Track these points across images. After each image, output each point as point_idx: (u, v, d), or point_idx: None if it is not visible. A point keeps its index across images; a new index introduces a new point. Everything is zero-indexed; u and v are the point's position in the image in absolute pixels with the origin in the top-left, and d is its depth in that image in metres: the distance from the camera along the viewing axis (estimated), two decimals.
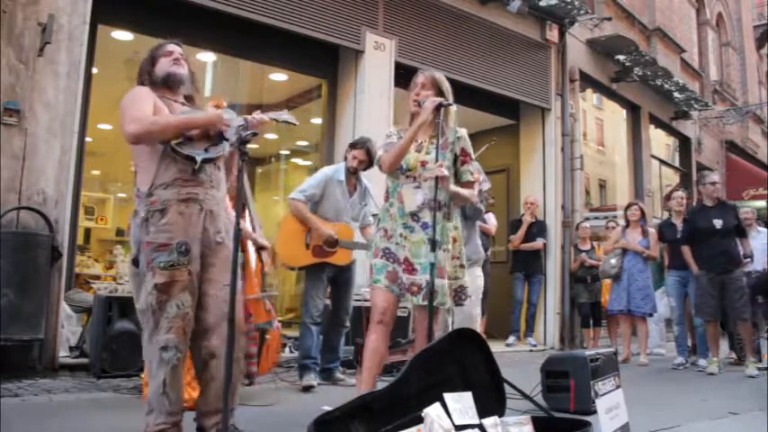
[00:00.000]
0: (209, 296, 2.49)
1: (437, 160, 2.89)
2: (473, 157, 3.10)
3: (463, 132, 3.07)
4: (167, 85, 2.59)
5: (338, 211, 4.36)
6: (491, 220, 6.64)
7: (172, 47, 2.66)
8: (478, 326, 3.76)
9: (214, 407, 2.45)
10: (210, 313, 2.49)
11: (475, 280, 3.78)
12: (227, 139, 2.55)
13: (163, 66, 2.60)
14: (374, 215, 4.19)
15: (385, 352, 3.01)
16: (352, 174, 4.40)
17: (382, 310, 2.92)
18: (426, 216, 2.91)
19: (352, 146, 4.43)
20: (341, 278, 4.44)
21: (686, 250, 5.79)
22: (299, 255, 4.27)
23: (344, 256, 4.38)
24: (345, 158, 4.45)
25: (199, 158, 2.45)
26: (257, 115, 2.61)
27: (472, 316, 3.71)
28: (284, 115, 2.74)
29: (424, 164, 2.96)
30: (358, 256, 4.54)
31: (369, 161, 4.31)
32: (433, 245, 2.86)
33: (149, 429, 2.36)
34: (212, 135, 2.51)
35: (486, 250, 6.91)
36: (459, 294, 3.01)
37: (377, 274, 2.93)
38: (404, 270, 2.89)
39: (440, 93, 3.02)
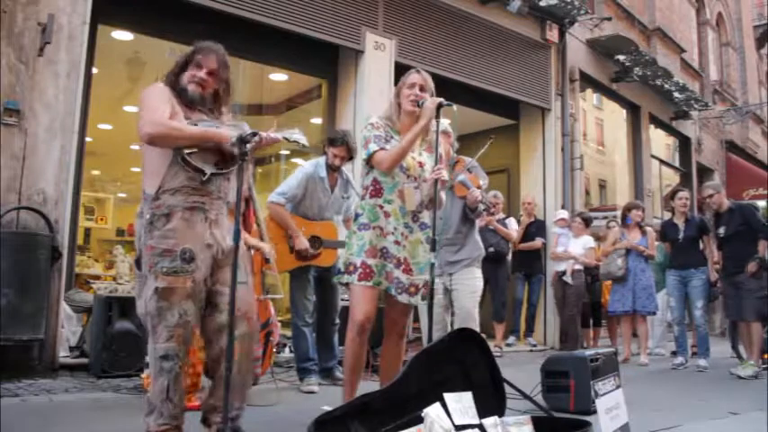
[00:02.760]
0: (224, 295, 2.47)
1: (436, 163, 2.94)
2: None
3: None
4: (181, 97, 2.53)
5: (321, 209, 4.31)
6: (512, 225, 6.65)
7: (209, 60, 2.56)
8: (477, 325, 3.76)
9: (214, 405, 2.47)
10: (225, 312, 2.46)
11: (474, 281, 3.80)
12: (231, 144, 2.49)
13: (185, 78, 2.54)
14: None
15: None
16: (335, 170, 4.32)
17: (371, 316, 2.85)
18: (425, 216, 2.95)
19: (332, 143, 4.30)
20: (326, 277, 4.35)
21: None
22: (283, 259, 4.15)
23: (329, 257, 4.30)
24: (325, 154, 4.35)
25: (208, 173, 2.45)
26: (271, 134, 2.57)
27: (471, 315, 3.72)
28: (295, 135, 2.68)
29: (421, 164, 2.97)
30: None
31: (349, 155, 4.26)
32: (434, 244, 2.89)
33: (151, 429, 2.36)
34: (224, 150, 2.47)
35: (505, 254, 6.94)
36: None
37: (378, 276, 2.82)
38: (403, 270, 2.86)
39: (432, 94, 3.03)
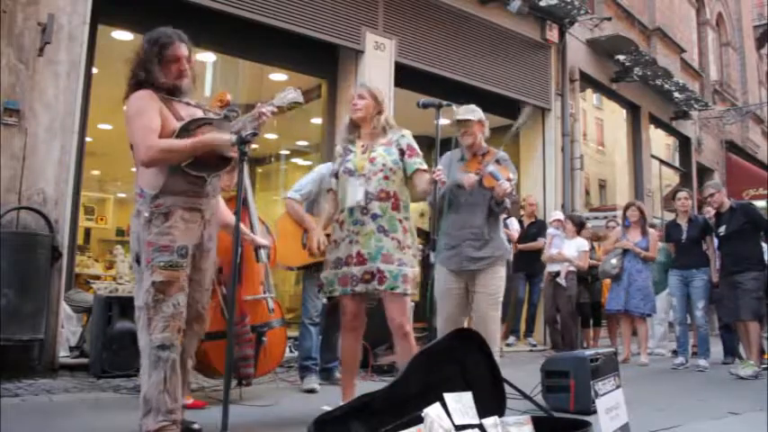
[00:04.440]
0: (190, 297, 2.57)
1: (436, 166, 3.01)
2: (419, 152, 3.16)
3: (407, 132, 3.20)
4: (171, 93, 2.59)
5: None
6: (513, 225, 6.60)
7: (181, 50, 2.60)
8: (498, 330, 3.60)
9: None
10: (187, 313, 2.55)
11: (497, 282, 3.60)
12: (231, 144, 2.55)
13: (171, 74, 2.57)
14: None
15: (358, 354, 3.27)
16: None
17: (351, 317, 3.12)
18: (375, 207, 3.01)
19: None
20: None
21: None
22: (296, 255, 4.20)
23: None
24: None
25: (209, 178, 2.53)
26: (263, 110, 2.62)
27: (485, 319, 3.53)
28: (288, 96, 2.71)
29: (372, 160, 3.07)
30: None
31: None
32: (434, 244, 2.91)
33: (150, 428, 2.36)
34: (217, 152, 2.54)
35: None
36: (411, 283, 3.03)
37: (329, 286, 3.10)
38: (355, 263, 2.99)
39: (375, 99, 3.17)
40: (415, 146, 3.16)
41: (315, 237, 4.13)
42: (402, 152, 3.11)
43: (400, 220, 3.04)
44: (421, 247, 4.39)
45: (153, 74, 2.54)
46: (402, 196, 3.09)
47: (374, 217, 3.00)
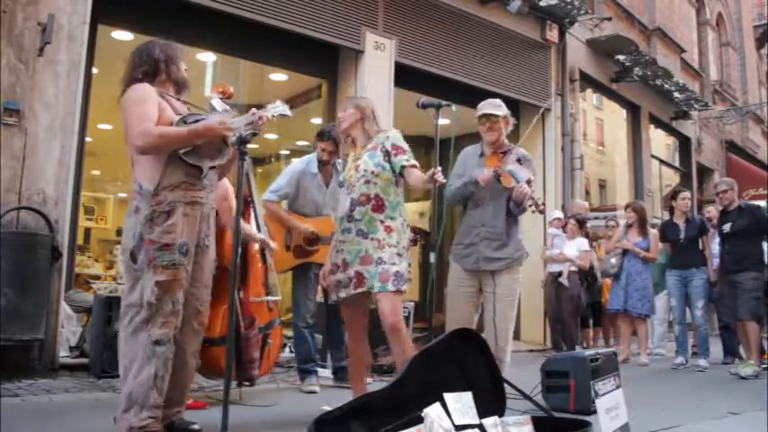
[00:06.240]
0: (188, 293, 2.58)
1: (435, 166, 2.96)
2: (406, 149, 3.12)
3: (392, 133, 3.18)
4: (178, 87, 2.69)
5: (317, 205, 4.22)
6: None
7: (179, 50, 2.77)
8: (512, 331, 3.51)
9: (169, 397, 2.52)
10: (185, 309, 2.56)
11: (514, 281, 3.46)
12: (231, 144, 2.61)
13: (182, 71, 2.71)
14: None
15: (363, 354, 3.27)
16: (326, 164, 4.21)
17: (346, 319, 3.26)
18: (356, 213, 3.05)
19: (319, 137, 4.18)
20: None
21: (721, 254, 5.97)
22: (281, 258, 4.09)
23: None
24: (315, 148, 4.24)
25: (206, 168, 2.55)
26: (260, 114, 2.66)
27: (502, 320, 3.39)
28: (278, 108, 2.76)
29: (357, 168, 3.11)
30: None
31: (338, 149, 4.09)
32: (434, 245, 2.91)
33: (134, 424, 2.37)
34: (215, 141, 2.57)
35: None
36: (396, 280, 2.96)
37: (330, 292, 3.20)
38: (341, 270, 3.06)
39: (357, 108, 3.20)
40: (401, 143, 3.12)
41: (306, 231, 4.11)
42: (387, 153, 3.09)
43: (381, 221, 3.03)
44: (413, 236, 4.16)
45: (163, 72, 2.64)
46: (388, 197, 3.06)
47: (356, 222, 3.05)
